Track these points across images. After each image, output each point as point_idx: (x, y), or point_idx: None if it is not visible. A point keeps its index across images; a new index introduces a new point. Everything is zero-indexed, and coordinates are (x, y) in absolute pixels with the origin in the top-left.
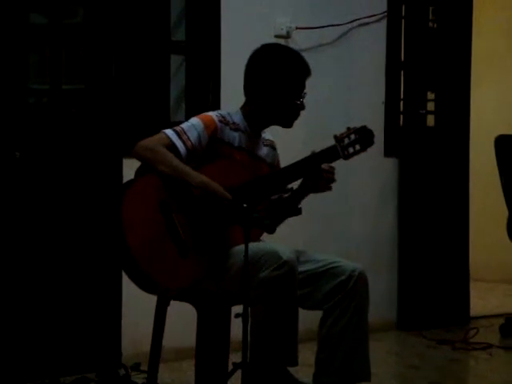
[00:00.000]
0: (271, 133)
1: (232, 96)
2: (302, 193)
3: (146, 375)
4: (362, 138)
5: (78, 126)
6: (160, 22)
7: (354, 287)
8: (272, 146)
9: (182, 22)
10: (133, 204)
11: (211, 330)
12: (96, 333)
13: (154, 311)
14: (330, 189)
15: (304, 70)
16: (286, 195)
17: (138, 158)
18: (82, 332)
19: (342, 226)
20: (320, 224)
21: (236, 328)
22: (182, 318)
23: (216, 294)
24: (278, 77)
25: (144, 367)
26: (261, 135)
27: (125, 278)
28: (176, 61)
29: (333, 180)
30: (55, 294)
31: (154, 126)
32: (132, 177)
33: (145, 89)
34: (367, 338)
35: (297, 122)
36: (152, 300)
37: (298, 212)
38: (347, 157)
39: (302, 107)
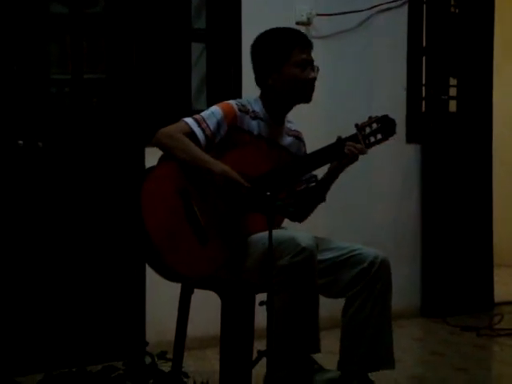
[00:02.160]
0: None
1: (253, 84)
2: (328, 180)
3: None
4: (383, 127)
5: (100, 115)
6: (181, 9)
7: (376, 274)
8: (298, 137)
9: (202, 10)
10: (152, 191)
11: (235, 318)
12: (120, 322)
13: (177, 300)
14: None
15: (292, 39)
16: (312, 184)
17: (158, 146)
18: (106, 321)
19: (365, 214)
20: (342, 212)
21: (259, 316)
22: (205, 307)
23: (235, 283)
24: (270, 53)
25: (169, 356)
26: (283, 124)
27: (148, 267)
28: (197, 49)
29: (356, 157)
30: (80, 284)
31: (175, 115)
32: (153, 164)
33: (166, 77)
34: (391, 325)
35: (318, 109)
36: (175, 288)
37: (322, 200)
38: (368, 146)
39: (311, 77)
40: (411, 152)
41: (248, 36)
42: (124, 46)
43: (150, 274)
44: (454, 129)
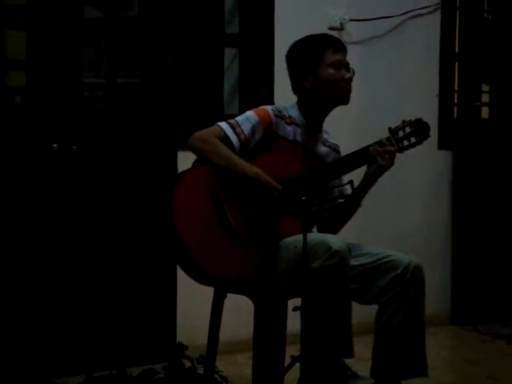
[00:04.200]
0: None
1: (285, 89)
2: (364, 187)
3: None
4: (417, 130)
5: (133, 119)
6: (214, 14)
7: (410, 280)
8: (335, 149)
9: (235, 15)
10: (184, 195)
11: (268, 323)
12: (151, 326)
13: (207, 304)
14: (391, 165)
15: (325, 41)
16: (348, 192)
17: (192, 150)
18: (137, 324)
19: (395, 219)
20: (372, 217)
21: (291, 320)
22: (234, 311)
23: (267, 287)
24: (304, 57)
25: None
26: (321, 132)
27: (179, 272)
28: (230, 54)
29: (390, 161)
30: (113, 287)
31: (208, 119)
32: (186, 168)
33: (199, 82)
34: (424, 332)
35: (349, 114)
36: (206, 292)
37: (358, 205)
38: (402, 149)
39: (346, 77)
40: (443, 158)
41: (281, 41)
42: (158, 50)
43: (181, 278)
44: (486, 135)
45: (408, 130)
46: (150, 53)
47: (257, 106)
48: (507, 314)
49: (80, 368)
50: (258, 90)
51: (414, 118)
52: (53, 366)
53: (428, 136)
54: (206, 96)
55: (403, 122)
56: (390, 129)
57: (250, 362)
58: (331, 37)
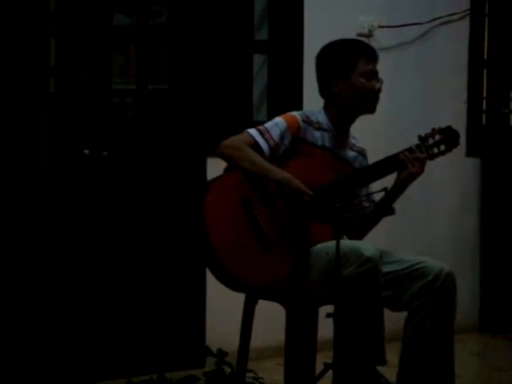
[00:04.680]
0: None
1: (314, 95)
2: (394, 194)
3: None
4: (446, 138)
5: (163, 125)
6: (243, 21)
7: (441, 288)
8: (362, 153)
9: (264, 22)
10: (216, 201)
11: (300, 330)
12: (181, 331)
13: (236, 310)
14: (421, 171)
15: (359, 49)
16: (381, 197)
17: (222, 156)
18: (166, 330)
19: (424, 226)
20: (401, 224)
21: (324, 327)
22: (262, 317)
23: (299, 294)
24: (336, 61)
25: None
26: (348, 137)
27: (208, 277)
28: (259, 60)
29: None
30: (145, 293)
31: (237, 126)
32: (215, 175)
33: (228, 88)
34: (453, 340)
35: (378, 120)
36: (235, 298)
37: (391, 212)
38: (432, 156)
39: (376, 88)
40: (471, 165)
41: (310, 47)
42: (187, 56)
43: (211, 284)
44: None
45: (438, 137)
46: (179, 59)
47: (285, 113)
48: None
49: (103, 373)
50: (287, 97)
51: (443, 126)
52: (82, 371)
53: (458, 144)
54: (235, 102)
55: (433, 129)
56: (419, 136)
57: (279, 368)
58: (365, 44)
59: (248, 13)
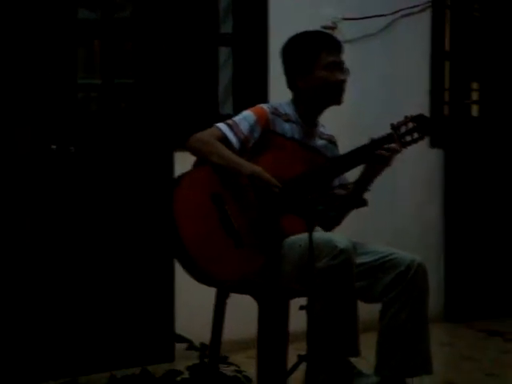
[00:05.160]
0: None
1: (280, 88)
2: (364, 183)
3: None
4: (419, 126)
5: (129, 120)
6: (208, 14)
7: (413, 278)
8: (331, 141)
9: (229, 15)
10: (185, 196)
11: (272, 322)
12: (149, 326)
13: (206, 303)
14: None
15: (320, 42)
16: (350, 187)
17: (191, 151)
18: (134, 325)
19: (388, 217)
20: (365, 215)
21: (299, 319)
22: (232, 311)
23: (271, 287)
24: (298, 56)
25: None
26: (316, 126)
27: (177, 272)
28: (224, 53)
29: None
30: (112, 288)
31: (203, 119)
32: (182, 169)
33: (194, 82)
34: (428, 330)
35: (343, 112)
36: (204, 292)
37: (364, 203)
38: (405, 145)
39: (340, 79)
40: (434, 157)
41: (275, 40)
42: (152, 50)
43: (179, 279)
44: (477, 133)
45: (410, 125)
46: (144, 53)
47: (251, 105)
48: (501, 311)
49: (69, 370)
50: (253, 89)
51: (416, 113)
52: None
53: (430, 131)
54: (200, 96)
55: (405, 117)
56: (392, 124)
57: (249, 361)
58: (327, 36)
59: (213, 6)
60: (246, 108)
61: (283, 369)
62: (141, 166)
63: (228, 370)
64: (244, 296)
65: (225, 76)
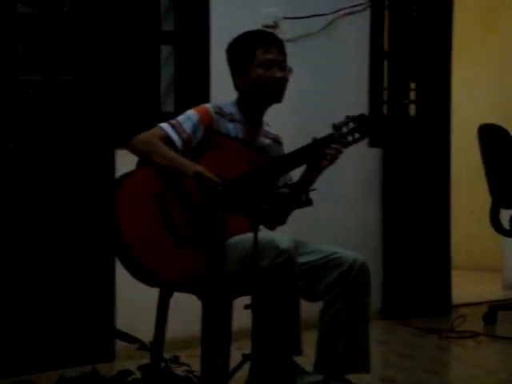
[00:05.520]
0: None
1: (221, 86)
2: (307, 181)
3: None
4: (360, 126)
5: (70, 117)
6: (149, 11)
7: (355, 278)
8: (276, 140)
9: (171, 12)
10: (128, 196)
11: (216, 321)
12: (90, 326)
13: (148, 303)
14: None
15: (256, 40)
16: (294, 187)
17: (133, 151)
18: (74, 324)
19: (327, 216)
20: (304, 215)
21: (245, 318)
22: (173, 309)
23: (215, 286)
24: (236, 56)
25: (147, 360)
26: (261, 126)
27: (118, 272)
28: (165, 51)
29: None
30: (50, 287)
31: (144, 117)
32: (124, 167)
33: (135, 79)
34: (368, 329)
35: (283, 110)
36: (146, 292)
37: (310, 203)
38: (346, 145)
39: (277, 77)
40: (373, 156)
41: (216, 38)
42: (92, 47)
43: (121, 278)
44: (414, 133)
45: (351, 125)
46: (84, 49)
47: (193, 103)
48: (434, 309)
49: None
50: (194, 87)
51: (357, 114)
52: None
53: (371, 131)
54: (142, 93)
55: (347, 117)
56: (334, 124)
57: (190, 360)
58: (264, 34)
59: (154, 3)
60: (187, 106)
61: (226, 367)
62: (82, 164)
63: (179, 370)
64: (186, 295)
65: (166, 74)
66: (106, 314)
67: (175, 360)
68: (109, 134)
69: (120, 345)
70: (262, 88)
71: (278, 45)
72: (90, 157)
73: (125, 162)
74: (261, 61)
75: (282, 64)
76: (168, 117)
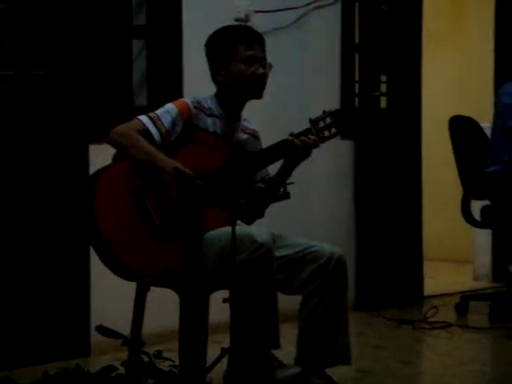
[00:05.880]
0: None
1: (194, 80)
2: (284, 175)
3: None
4: (337, 121)
5: (42, 112)
6: (121, 6)
7: (333, 271)
8: (254, 135)
9: (143, 6)
10: (105, 191)
11: (193, 315)
12: (63, 319)
13: (123, 298)
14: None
15: (239, 36)
16: (272, 181)
17: (112, 144)
18: (48, 319)
19: (299, 209)
20: (277, 208)
21: (216, 312)
22: (149, 303)
23: (192, 281)
24: (217, 50)
25: (123, 355)
26: (239, 121)
27: (93, 267)
28: (137, 45)
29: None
30: (24, 283)
31: (117, 111)
32: (98, 162)
33: (107, 73)
34: (347, 321)
35: (257, 105)
36: (122, 286)
37: (287, 196)
38: (323, 140)
39: (258, 73)
40: (345, 148)
41: (188, 32)
42: (64, 41)
43: (95, 274)
44: (385, 125)
45: (328, 120)
46: (55, 44)
47: (166, 97)
48: (406, 300)
49: None
50: (167, 81)
51: (334, 109)
52: None
53: (348, 125)
54: (114, 88)
55: (323, 112)
56: (310, 119)
57: (166, 354)
58: (247, 30)
59: None
60: (160, 99)
61: (204, 360)
62: (55, 159)
63: (163, 365)
64: (163, 288)
65: (139, 68)
66: (82, 309)
67: (158, 355)
68: (82, 129)
69: (95, 339)
70: (244, 84)
71: (259, 41)
72: (64, 152)
73: (98, 156)
74: (243, 57)
75: (263, 60)
76: (141, 111)
